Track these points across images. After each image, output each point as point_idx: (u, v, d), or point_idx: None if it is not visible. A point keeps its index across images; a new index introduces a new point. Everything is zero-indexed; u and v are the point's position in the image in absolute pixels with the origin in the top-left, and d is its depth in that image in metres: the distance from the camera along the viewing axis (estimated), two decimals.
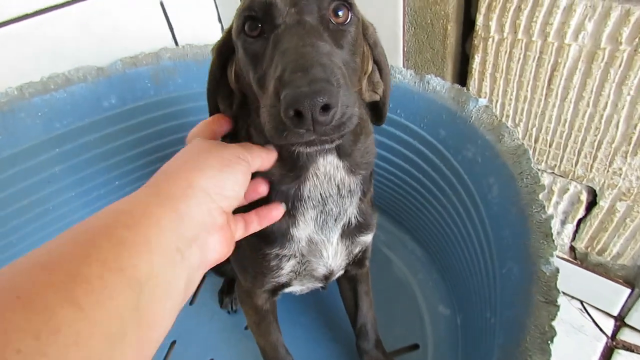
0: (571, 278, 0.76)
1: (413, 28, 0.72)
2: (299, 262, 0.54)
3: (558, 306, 0.48)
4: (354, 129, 0.45)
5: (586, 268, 0.74)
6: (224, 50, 0.47)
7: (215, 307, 0.88)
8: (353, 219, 0.54)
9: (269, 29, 0.39)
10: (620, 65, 0.54)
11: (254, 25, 0.40)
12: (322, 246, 0.53)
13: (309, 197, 0.49)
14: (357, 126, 0.46)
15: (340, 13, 0.40)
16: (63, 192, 0.90)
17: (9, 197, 0.81)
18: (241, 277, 0.58)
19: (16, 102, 0.80)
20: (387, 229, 0.95)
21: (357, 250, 0.57)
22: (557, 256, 0.78)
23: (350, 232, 0.55)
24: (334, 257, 0.55)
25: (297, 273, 0.55)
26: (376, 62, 0.51)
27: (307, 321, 0.80)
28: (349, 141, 0.46)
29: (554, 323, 0.47)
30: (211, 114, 0.51)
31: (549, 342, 0.46)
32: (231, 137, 0.52)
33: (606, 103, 0.57)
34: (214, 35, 1.11)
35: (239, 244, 0.52)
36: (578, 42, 0.56)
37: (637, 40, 0.52)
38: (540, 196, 0.54)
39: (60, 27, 0.87)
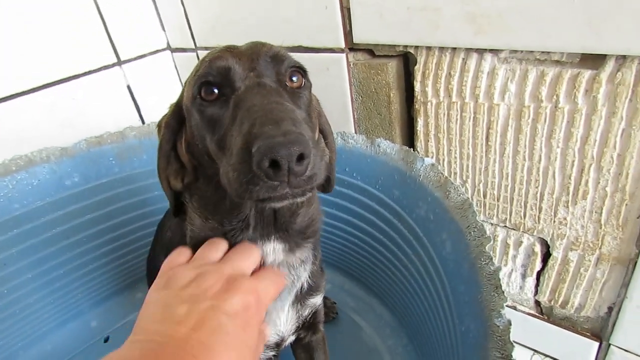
0: (541, 334, 0.74)
1: (360, 97, 0.77)
2: None
3: None
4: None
5: (553, 322, 0.72)
6: (173, 124, 0.47)
7: None
8: (305, 284, 0.53)
9: (228, 92, 0.40)
10: (545, 121, 0.58)
11: (210, 90, 0.40)
12: (274, 315, 0.52)
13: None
14: None
15: (294, 78, 0.42)
16: (20, 273, 0.87)
17: None
18: None
19: None
20: (356, 294, 0.93)
21: (306, 312, 0.56)
22: (524, 312, 0.77)
23: (301, 297, 0.54)
24: (285, 323, 0.53)
25: None
26: (321, 131, 0.52)
27: None
28: (288, 212, 0.46)
29: None
30: (166, 192, 0.51)
31: None
32: (176, 212, 0.52)
33: (540, 156, 0.60)
34: None
35: None
36: (505, 102, 0.60)
37: (555, 97, 0.56)
38: (487, 248, 0.55)
39: (26, 112, 0.90)
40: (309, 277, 0.53)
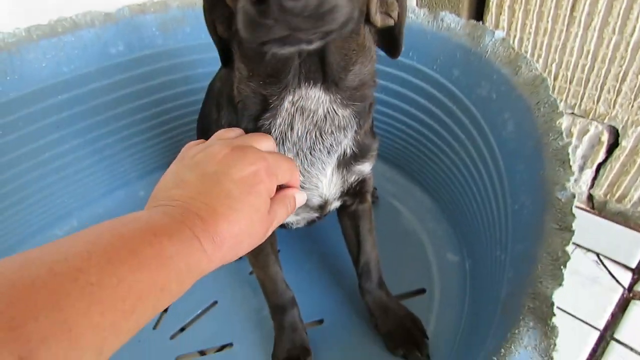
0: (587, 229, 0.73)
1: None
2: None
3: (573, 231, 0.45)
4: (346, 51, 0.42)
5: (604, 217, 0.70)
6: None
7: None
8: (348, 150, 0.51)
9: None
10: None
11: None
12: (316, 179, 0.51)
13: (294, 134, 0.46)
14: (350, 50, 0.42)
15: None
16: (71, 138, 0.90)
17: (15, 140, 0.81)
18: None
19: (24, 43, 0.80)
20: (396, 180, 0.93)
21: (352, 179, 0.55)
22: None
23: (345, 162, 0.52)
24: (328, 187, 0.53)
25: None
26: None
27: (311, 266, 0.80)
28: (339, 66, 0.42)
29: (567, 248, 0.45)
30: (213, 38, 0.48)
31: (562, 267, 0.44)
32: (224, 63, 0.50)
33: (634, 28, 0.54)
34: None
35: None
36: None
37: None
38: (558, 123, 0.51)
39: None
40: (353, 144, 0.51)
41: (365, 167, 0.56)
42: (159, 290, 0.29)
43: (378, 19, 0.46)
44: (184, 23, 0.94)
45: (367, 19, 0.44)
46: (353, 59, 0.43)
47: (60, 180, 0.91)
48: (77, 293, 0.25)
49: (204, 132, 0.64)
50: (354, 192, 0.59)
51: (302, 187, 0.52)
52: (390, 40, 0.49)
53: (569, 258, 0.44)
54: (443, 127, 0.75)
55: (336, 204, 0.60)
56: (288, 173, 0.43)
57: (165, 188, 0.38)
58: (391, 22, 0.47)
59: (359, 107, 0.48)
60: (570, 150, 0.50)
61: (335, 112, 0.46)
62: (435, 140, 0.78)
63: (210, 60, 0.96)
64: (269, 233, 0.41)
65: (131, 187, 1.02)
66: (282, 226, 0.65)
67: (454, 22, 0.67)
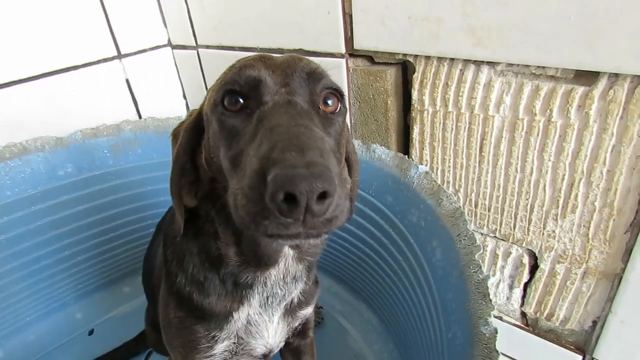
0: (525, 345, 0.75)
1: (358, 102, 0.78)
2: (234, 343, 0.51)
3: None
4: None
5: (538, 334, 0.73)
6: (192, 133, 0.43)
7: None
8: (296, 299, 0.54)
9: (254, 105, 0.36)
10: (538, 134, 0.59)
11: (234, 99, 0.37)
12: (263, 327, 0.52)
13: (259, 283, 0.48)
14: None
15: (330, 102, 0.39)
16: (6, 261, 0.86)
17: None
18: (172, 355, 0.54)
19: None
20: (344, 297, 0.93)
21: (297, 323, 0.57)
22: (510, 323, 0.77)
23: (292, 310, 0.54)
24: (274, 335, 0.54)
25: (233, 353, 0.52)
26: (346, 160, 0.50)
27: None
28: None
29: None
30: (176, 205, 0.47)
31: None
32: (195, 232, 0.48)
33: (532, 168, 0.61)
34: (179, 110, 1.16)
35: (167, 320, 0.50)
36: (500, 114, 0.62)
37: (549, 111, 0.57)
38: (477, 256, 0.56)
39: (25, 100, 0.90)
40: (300, 293, 0.54)
41: (308, 311, 0.58)
42: None
43: None
44: (136, 145, 0.97)
45: None
46: None
47: None
48: None
49: (147, 276, 0.64)
50: (298, 332, 0.60)
51: (247, 338, 0.52)
52: None
53: None
54: (382, 247, 0.79)
55: (280, 346, 0.59)
56: None
57: None
58: None
59: (310, 261, 0.52)
60: (489, 284, 0.54)
61: (290, 267, 0.49)
62: (376, 259, 0.82)
63: (160, 178, 0.98)
64: None
65: (68, 309, 0.97)
66: None
67: (384, 153, 0.74)
